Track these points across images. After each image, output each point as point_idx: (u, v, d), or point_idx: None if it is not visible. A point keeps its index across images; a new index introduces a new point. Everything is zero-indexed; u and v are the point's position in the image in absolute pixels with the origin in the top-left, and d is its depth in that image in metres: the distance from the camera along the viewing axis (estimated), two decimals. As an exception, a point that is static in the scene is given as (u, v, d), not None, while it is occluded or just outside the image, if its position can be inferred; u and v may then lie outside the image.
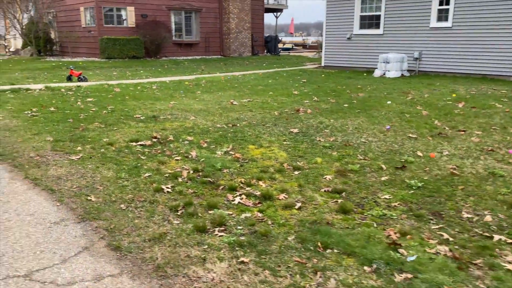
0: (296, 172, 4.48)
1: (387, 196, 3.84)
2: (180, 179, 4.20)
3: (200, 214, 3.38)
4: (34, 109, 7.60)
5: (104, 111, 7.56)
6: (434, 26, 13.70)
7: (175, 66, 18.83)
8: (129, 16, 21.48)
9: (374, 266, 2.63)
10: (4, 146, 5.12)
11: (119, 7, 21.23)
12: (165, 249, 2.78)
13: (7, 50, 26.72)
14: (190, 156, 5.00)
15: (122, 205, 3.49)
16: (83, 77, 12.46)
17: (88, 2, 20.97)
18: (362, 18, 15.64)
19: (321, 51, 25.91)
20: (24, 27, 23.24)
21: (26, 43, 23.80)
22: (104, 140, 5.56)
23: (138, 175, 4.28)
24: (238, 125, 6.68)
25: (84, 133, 5.93)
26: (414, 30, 14.23)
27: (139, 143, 5.52)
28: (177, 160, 4.87)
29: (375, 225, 3.27)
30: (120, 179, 4.12)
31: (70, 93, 9.89)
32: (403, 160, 4.89)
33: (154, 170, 4.45)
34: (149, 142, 5.55)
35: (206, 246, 2.83)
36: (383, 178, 4.30)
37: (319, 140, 5.73)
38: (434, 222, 3.33)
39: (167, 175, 4.31)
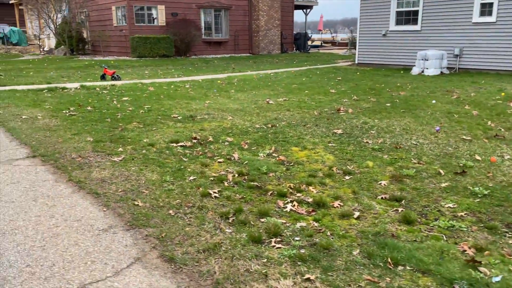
0: (347, 177, 4.22)
1: (451, 205, 3.54)
2: (226, 183, 4.01)
3: (252, 222, 3.17)
4: (71, 108, 7.60)
5: (141, 111, 7.48)
6: (476, 21, 13.07)
7: (205, 64, 18.76)
8: (160, 14, 21.57)
9: (457, 287, 2.35)
10: (46, 147, 5.07)
11: (150, 6, 21.34)
12: (222, 261, 2.59)
13: (41, 49, 27.35)
14: (232, 158, 4.81)
15: (170, 211, 3.32)
16: (117, 76, 12.51)
17: (120, 1, 21.17)
18: (399, 13, 15.11)
19: (353, 48, 25.40)
20: (57, 26, 23.71)
21: (60, 43, 24.28)
22: (145, 140, 5.44)
23: (183, 178, 4.12)
24: (277, 125, 6.46)
25: (123, 133, 5.83)
26: (454, 26, 13.62)
27: (180, 144, 5.37)
28: (220, 162, 4.69)
29: (444, 238, 2.99)
30: (165, 183, 3.96)
31: (105, 92, 9.90)
32: (461, 164, 4.55)
33: (198, 173, 4.28)
34: (189, 143, 5.40)
35: (265, 260, 2.61)
36: (443, 185, 3.99)
37: (367, 142, 5.44)
38: (511, 235, 3.01)
39: (212, 178, 4.13)
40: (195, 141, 5.55)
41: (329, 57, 23.06)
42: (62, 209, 3.34)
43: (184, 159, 4.77)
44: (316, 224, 3.18)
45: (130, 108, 7.68)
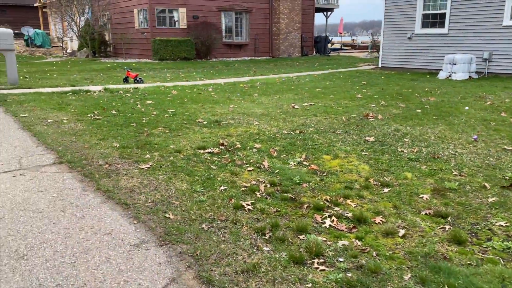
0: (386, 190, 3.99)
1: (502, 223, 3.28)
2: (258, 194, 3.83)
3: (290, 240, 2.98)
4: (96, 112, 7.54)
5: (165, 115, 7.37)
6: (507, 25, 12.61)
7: (226, 67, 18.67)
8: (181, 17, 21.59)
9: (527, 323, 2.12)
10: (73, 153, 4.98)
11: (171, 9, 21.39)
12: (263, 285, 2.40)
13: (64, 51, 27.73)
14: (262, 167, 4.63)
15: (203, 225, 3.16)
16: (139, 78, 12.49)
17: (141, 4, 21.28)
18: (425, 16, 14.72)
19: (374, 51, 24.95)
20: (80, 29, 23.98)
21: (82, 45, 24.55)
22: (171, 147, 5.31)
23: (213, 188, 3.96)
24: (305, 131, 6.26)
25: (149, 138, 5.72)
26: (483, 29, 13.18)
27: (207, 150, 5.22)
28: (250, 171, 4.51)
29: (502, 261, 2.74)
30: (195, 193, 3.80)
31: (129, 95, 9.85)
32: (507, 177, 4.27)
33: (228, 182, 4.11)
34: (216, 150, 5.25)
35: (310, 285, 2.42)
36: (490, 200, 3.72)
37: (402, 151, 5.19)
38: None
39: (243, 189, 3.95)
40: (222, 147, 5.40)
41: (350, 60, 22.72)
42: (92, 221, 3.21)
43: (212, 167, 4.61)
44: (359, 243, 2.97)
45: (155, 112, 7.58)
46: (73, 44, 28.19)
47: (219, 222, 3.23)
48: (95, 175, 4.21)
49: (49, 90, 10.41)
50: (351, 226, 3.25)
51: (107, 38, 24.95)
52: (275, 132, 6.24)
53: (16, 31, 28.59)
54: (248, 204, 3.56)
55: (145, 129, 6.29)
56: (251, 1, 23.85)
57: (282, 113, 7.78)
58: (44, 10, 35.30)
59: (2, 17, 37.95)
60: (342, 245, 2.93)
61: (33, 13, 38.71)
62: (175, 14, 21.61)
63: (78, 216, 3.29)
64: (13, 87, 10.66)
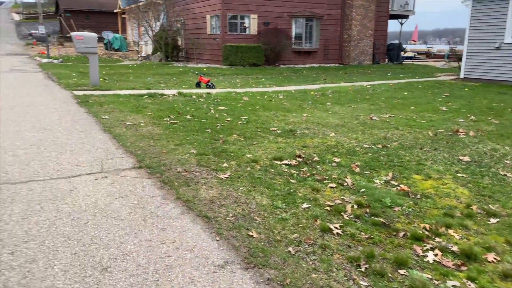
0: (493, 220, 3.48)
1: None
2: (345, 216, 3.50)
3: (390, 274, 2.62)
4: (171, 116, 7.60)
5: (239, 122, 7.25)
6: None
7: (294, 74, 18.42)
8: (252, 23, 21.71)
9: None
10: (151, 157, 4.96)
11: (243, 15, 21.58)
12: (367, 330, 2.08)
13: (139, 55, 29.09)
14: (345, 184, 4.28)
15: (289, 248, 2.89)
16: (211, 84, 12.60)
17: (214, 10, 21.69)
18: (517, 23, 13.46)
19: (452, 61, 23.43)
20: (155, 34, 24.99)
21: (156, 49, 25.55)
22: (247, 156, 5.13)
23: (295, 204, 3.69)
24: (388, 146, 5.80)
25: (225, 146, 5.59)
26: None
27: (284, 162, 4.97)
28: (332, 188, 4.19)
29: None
30: (277, 209, 3.56)
31: (201, 100, 9.91)
32: None
33: (310, 200, 3.82)
34: (294, 162, 4.98)
35: (424, 336, 2.06)
36: None
37: (505, 175, 4.59)
38: None
39: (328, 208, 3.64)
40: (299, 159, 5.12)
41: (426, 70, 21.48)
42: (173, 233, 3.07)
43: (291, 180, 4.35)
44: (472, 286, 2.54)
45: (228, 119, 7.49)
46: (147, 48, 29.48)
47: (306, 246, 2.95)
48: (174, 182, 4.12)
49: (126, 92, 10.77)
50: (459, 263, 2.82)
51: (179, 43, 25.77)
52: (354, 145, 5.85)
53: (97, 36, 30.49)
54: (336, 228, 3.24)
55: (220, 136, 6.18)
56: (322, 7, 23.44)
57: (360, 124, 7.34)
58: (123, 15, 37.39)
59: (86, 22, 40.82)
60: (452, 286, 2.52)
61: (112, 19, 41.24)
62: (246, 20, 21.78)
63: (159, 227, 3.17)
64: (94, 88, 11.18)
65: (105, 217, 3.34)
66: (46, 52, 25.03)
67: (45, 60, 22.23)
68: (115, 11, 39.20)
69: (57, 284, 2.42)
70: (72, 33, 11.23)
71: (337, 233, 3.17)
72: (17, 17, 59.55)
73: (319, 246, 2.96)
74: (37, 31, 42.38)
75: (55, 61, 22.17)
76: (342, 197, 3.93)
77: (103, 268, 2.59)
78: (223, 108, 8.73)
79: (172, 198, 3.76)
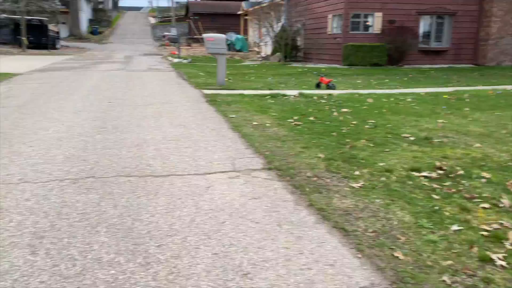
0: None
1: None
2: (507, 245, 2.99)
3: None
4: (295, 118, 7.53)
5: (365, 126, 6.88)
6: None
7: (421, 75, 17.12)
8: (376, 22, 20.77)
9: None
10: (279, 159, 4.92)
11: (366, 13, 20.77)
12: None
13: (258, 56, 29.99)
14: (502, 206, 3.70)
15: (444, 277, 2.54)
16: (332, 84, 12.30)
17: (337, 9, 21.26)
18: None
19: None
20: (276, 35, 25.45)
21: (276, 50, 26.02)
22: (380, 164, 4.78)
23: (443, 225, 3.27)
24: (551, 164, 4.92)
25: (353, 152, 5.30)
26: None
27: (422, 174, 4.51)
28: (485, 208, 3.64)
29: None
30: (422, 229, 3.19)
31: (323, 101, 9.70)
32: None
33: (461, 221, 3.36)
34: (434, 174, 4.49)
35: None
36: None
37: None
38: None
39: (484, 233, 3.15)
40: (440, 172, 4.60)
41: None
42: (310, 244, 2.93)
43: (434, 196, 3.90)
44: None
45: (354, 122, 7.16)
46: (266, 49, 30.21)
47: (464, 277, 2.56)
48: (305, 188, 3.99)
49: (250, 92, 11.06)
50: None
51: (298, 43, 25.88)
52: (506, 160, 5.09)
53: (221, 37, 32.23)
54: (499, 258, 2.77)
55: (347, 140, 5.91)
56: (457, 2, 21.38)
57: (510, 134, 6.41)
58: (245, 17, 38.95)
59: (212, 24, 43.49)
60: None
61: (235, 20, 43.25)
62: (369, 18, 20.93)
63: (295, 235, 3.06)
64: (221, 88, 11.72)
65: (241, 218, 3.34)
66: (176, 53, 27.26)
67: (176, 60, 24.20)
68: (238, 12, 41.04)
69: (201, 285, 2.44)
70: (204, 35, 11.92)
71: (501, 265, 2.70)
72: (153, 20, 66.23)
73: (480, 278, 2.55)
74: (169, 33, 46.56)
75: (185, 61, 23.97)
76: (500, 221, 3.38)
77: (243, 274, 2.55)
78: (346, 110, 8.40)
79: (304, 204, 3.64)
